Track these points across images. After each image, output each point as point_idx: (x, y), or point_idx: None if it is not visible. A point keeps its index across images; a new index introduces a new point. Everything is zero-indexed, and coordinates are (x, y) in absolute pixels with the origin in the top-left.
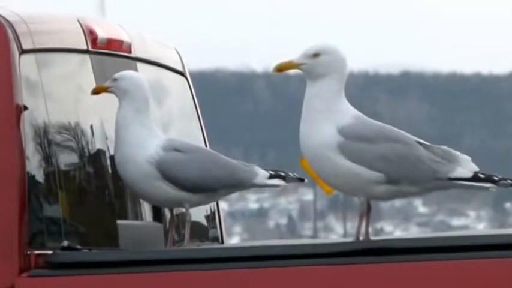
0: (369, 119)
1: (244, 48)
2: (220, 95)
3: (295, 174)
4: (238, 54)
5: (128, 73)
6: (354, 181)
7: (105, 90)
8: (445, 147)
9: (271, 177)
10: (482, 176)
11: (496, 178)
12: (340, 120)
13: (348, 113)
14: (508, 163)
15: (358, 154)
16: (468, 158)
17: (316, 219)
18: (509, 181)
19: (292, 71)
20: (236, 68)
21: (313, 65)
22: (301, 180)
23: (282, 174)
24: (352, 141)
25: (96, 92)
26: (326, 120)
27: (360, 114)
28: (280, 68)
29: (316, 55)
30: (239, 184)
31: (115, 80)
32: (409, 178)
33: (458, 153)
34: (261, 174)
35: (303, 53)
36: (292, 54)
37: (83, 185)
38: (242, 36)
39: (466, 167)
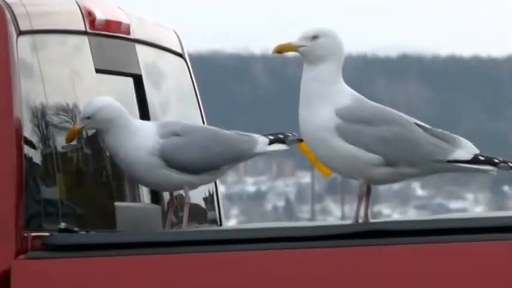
0: (368, 101)
1: (243, 31)
2: (218, 77)
3: (294, 134)
4: (237, 36)
5: (101, 104)
6: (353, 163)
7: (80, 130)
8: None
9: (271, 142)
10: (482, 158)
11: (496, 161)
12: (338, 102)
13: (347, 95)
14: (506, 146)
15: (357, 136)
16: (467, 141)
17: (314, 202)
18: (510, 164)
19: (290, 54)
20: (234, 50)
21: (312, 48)
22: (301, 140)
23: (281, 136)
24: (350, 124)
25: (69, 139)
26: (324, 103)
27: (359, 95)
28: (280, 50)
29: (315, 37)
30: (241, 156)
31: (88, 117)
32: (407, 160)
33: (456, 136)
34: (261, 142)
35: (302, 35)
36: (291, 37)
37: (80, 166)
38: (240, 18)
39: (465, 149)
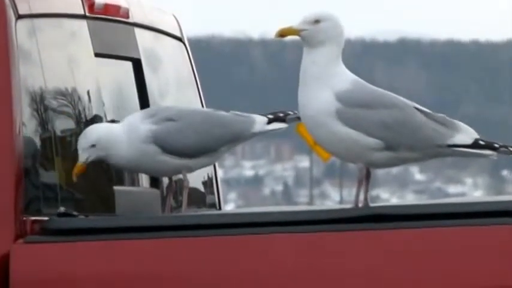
0: (368, 84)
1: (241, 15)
2: (216, 62)
3: (295, 112)
4: (235, 20)
5: (102, 130)
6: (352, 147)
7: (86, 163)
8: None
9: (270, 121)
10: (482, 143)
11: (496, 145)
12: (338, 86)
13: (347, 79)
14: (506, 130)
15: (357, 120)
16: (467, 126)
17: (312, 186)
18: (510, 148)
19: (289, 38)
20: (232, 34)
21: (314, 31)
22: (300, 118)
23: (281, 115)
24: (350, 107)
25: (77, 174)
26: (324, 87)
27: (358, 79)
28: (282, 33)
29: (317, 21)
30: (239, 137)
31: (93, 145)
32: (408, 145)
33: (456, 121)
34: (259, 121)
35: (303, 20)
36: (289, 22)
37: None
38: (239, 2)
39: (465, 134)
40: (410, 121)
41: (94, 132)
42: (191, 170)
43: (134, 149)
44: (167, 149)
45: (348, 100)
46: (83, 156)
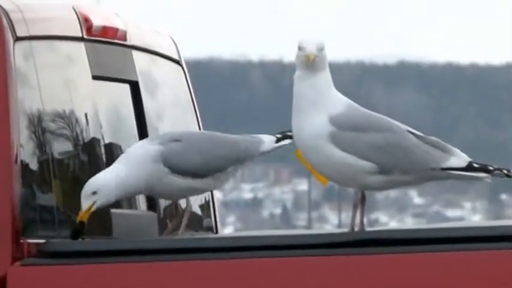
0: (361, 108)
1: (240, 37)
2: (216, 84)
3: None
4: (234, 43)
5: (105, 177)
6: (347, 171)
7: (91, 209)
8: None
9: (278, 141)
10: (476, 165)
11: (490, 168)
12: (332, 109)
13: (340, 102)
14: (504, 154)
15: (350, 144)
16: (459, 150)
17: (310, 210)
18: (505, 171)
19: (286, 60)
20: (231, 57)
21: (321, 58)
22: None
23: (289, 133)
24: (344, 131)
25: (83, 219)
26: (318, 111)
27: (352, 102)
28: (309, 60)
29: (321, 49)
30: (246, 156)
31: (94, 193)
32: (402, 168)
33: (449, 145)
34: (268, 140)
35: (316, 46)
36: (288, 44)
37: (77, 173)
38: (238, 25)
39: (459, 157)
40: (403, 144)
41: (94, 180)
42: (198, 191)
43: (143, 171)
44: (175, 169)
45: (341, 123)
46: (86, 204)
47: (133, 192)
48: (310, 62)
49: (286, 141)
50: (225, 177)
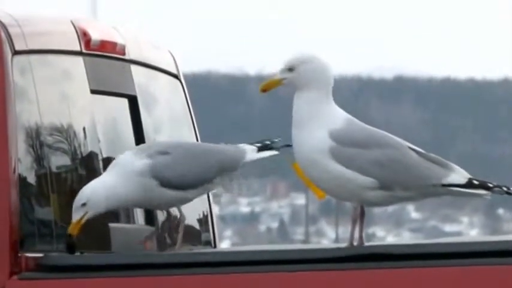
0: (360, 123)
1: (238, 51)
2: (213, 97)
3: (280, 139)
4: (231, 56)
5: (95, 185)
6: (347, 186)
7: (81, 221)
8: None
9: (259, 150)
10: (476, 182)
11: (490, 185)
12: (331, 124)
13: (339, 117)
14: (502, 169)
15: (351, 159)
16: (458, 167)
17: (308, 224)
18: (504, 188)
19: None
20: (229, 70)
21: (294, 78)
22: (289, 145)
23: (268, 142)
24: (344, 146)
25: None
26: (317, 126)
27: (351, 117)
28: (264, 88)
29: (291, 69)
30: (231, 167)
31: (84, 204)
32: (402, 184)
33: (448, 162)
34: (250, 150)
35: (281, 68)
36: (286, 57)
37: (75, 187)
38: (235, 38)
39: (459, 173)
40: (404, 160)
41: (83, 191)
42: (187, 201)
43: (132, 184)
44: (164, 183)
45: (341, 139)
46: (77, 215)
47: (124, 202)
48: (260, 92)
49: (269, 153)
50: (211, 187)
